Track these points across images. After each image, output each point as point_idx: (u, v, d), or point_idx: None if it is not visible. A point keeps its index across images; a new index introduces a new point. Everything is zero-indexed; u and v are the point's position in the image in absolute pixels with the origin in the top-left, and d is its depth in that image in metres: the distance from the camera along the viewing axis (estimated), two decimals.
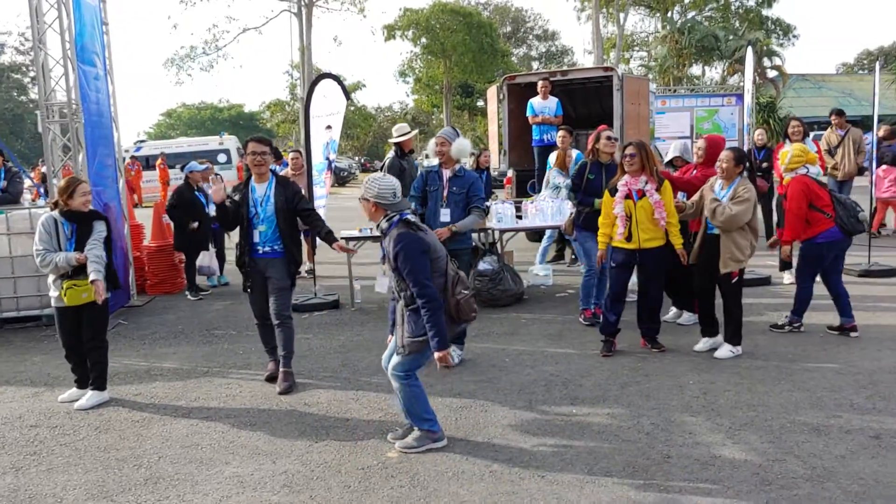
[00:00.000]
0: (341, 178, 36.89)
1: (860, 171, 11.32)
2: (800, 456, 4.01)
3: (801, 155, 6.38)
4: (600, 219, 6.04)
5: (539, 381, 5.41)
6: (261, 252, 5.57)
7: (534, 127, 10.97)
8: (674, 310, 7.13)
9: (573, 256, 10.07)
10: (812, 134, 10.56)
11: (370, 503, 3.72)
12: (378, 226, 4.27)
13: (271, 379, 5.70)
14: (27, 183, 9.14)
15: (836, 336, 6.32)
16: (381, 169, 8.64)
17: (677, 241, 5.92)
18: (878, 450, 4.05)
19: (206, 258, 9.30)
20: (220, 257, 10.06)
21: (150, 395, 5.57)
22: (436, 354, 4.03)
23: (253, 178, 5.62)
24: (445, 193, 6.03)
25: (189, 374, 6.06)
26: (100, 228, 5.32)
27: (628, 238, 5.86)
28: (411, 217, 4.21)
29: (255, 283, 5.68)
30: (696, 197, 6.13)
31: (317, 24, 63.48)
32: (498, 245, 8.50)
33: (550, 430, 4.52)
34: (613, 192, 5.93)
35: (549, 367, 5.77)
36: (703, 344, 6.11)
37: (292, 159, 10.22)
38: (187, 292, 9.44)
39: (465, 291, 4.16)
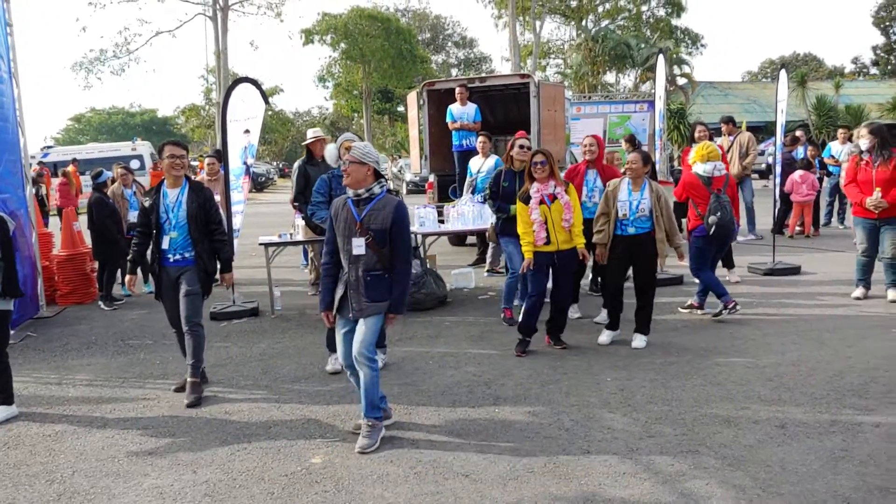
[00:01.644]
0: (259, 184, 36.32)
1: (761, 173, 11.95)
2: (711, 447, 4.19)
3: (703, 152, 7.04)
4: (519, 228, 6.15)
5: (462, 383, 5.47)
6: (171, 260, 5.42)
7: (453, 133, 11.06)
8: (604, 312, 7.35)
9: (488, 270, 10.21)
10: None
11: None
12: (366, 190, 4.35)
13: (181, 390, 5.55)
14: None
15: (743, 331, 6.63)
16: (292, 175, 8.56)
17: (579, 242, 6.14)
18: (783, 438, 4.26)
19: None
20: (144, 266, 9.73)
21: (62, 408, 5.35)
22: (398, 317, 4.42)
23: (166, 182, 5.49)
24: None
25: (104, 386, 5.85)
26: None
27: (547, 241, 6.02)
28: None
29: (166, 292, 5.53)
30: (603, 200, 6.39)
31: (233, 28, 62.31)
32: (421, 249, 8.54)
33: (474, 430, 4.57)
34: (525, 199, 6.07)
35: (472, 368, 5.84)
36: (607, 337, 6.43)
37: (208, 164, 10.00)
38: (101, 302, 9.11)
39: None
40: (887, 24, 60.40)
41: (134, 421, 5.02)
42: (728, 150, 11.55)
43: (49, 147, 30.58)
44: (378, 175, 4.41)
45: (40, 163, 25.07)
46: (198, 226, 5.40)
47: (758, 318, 7.12)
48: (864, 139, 7.54)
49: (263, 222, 16.51)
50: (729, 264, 8.84)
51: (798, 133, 14.29)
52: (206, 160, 9.99)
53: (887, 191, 7.30)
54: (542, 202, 5.99)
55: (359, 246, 4.33)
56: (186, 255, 5.42)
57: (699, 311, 7.36)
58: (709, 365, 5.70)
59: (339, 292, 4.45)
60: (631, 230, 6.23)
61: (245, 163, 8.89)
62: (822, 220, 13.61)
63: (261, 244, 8.47)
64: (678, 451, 4.14)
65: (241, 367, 6.20)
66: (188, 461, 4.30)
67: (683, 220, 7.70)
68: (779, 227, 12.02)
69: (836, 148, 13.58)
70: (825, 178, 13.47)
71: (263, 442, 4.53)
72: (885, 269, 7.59)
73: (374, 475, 4.00)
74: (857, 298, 7.73)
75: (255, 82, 8.97)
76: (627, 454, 4.13)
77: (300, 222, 8.25)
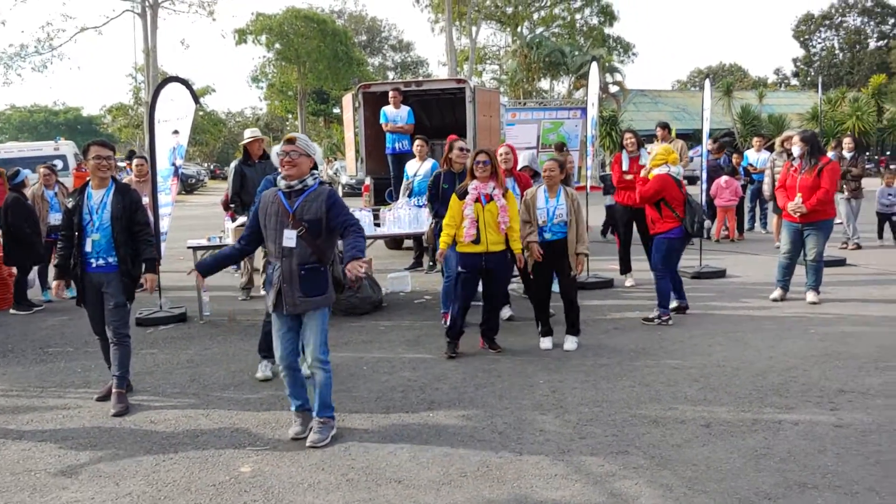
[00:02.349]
0: (189, 186, 35.43)
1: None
2: (640, 447, 4.26)
3: (664, 154, 7.19)
4: (445, 220, 6.18)
5: (396, 388, 5.44)
6: (94, 265, 5.23)
7: (387, 135, 11.03)
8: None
9: (431, 263, 10.21)
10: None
11: None
12: (300, 182, 4.35)
13: (104, 398, 5.36)
14: None
15: (671, 332, 6.79)
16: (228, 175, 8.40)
17: (516, 247, 6.21)
18: (708, 437, 4.37)
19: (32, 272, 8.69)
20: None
21: None
22: (356, 262, 4.13)
23: (91, 183, 5.29)
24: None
25: (20, 396, 5.59)
26: None
27: (476, 241, 6.04)
28: None
29: (89, 298, 5.33)
30: (523, 208, 6.45)
31: (163, 26, 60.74)
32: None
33: (407, 435, 4.55)
34: (462, 195, 6.10)
35: (407, 372, 5.81)
36: (549, 342, 6.46)
37: (137, 166, 9.70)
38: (12, 308, 8.73)
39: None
40: (806, 37, 63.27)
41: (53, 432, 4.81)
42: None
43: None
44: (314, 167, 4.43)
45: None
46: (122, 228, 5.22)
47: (685, 320, 7.30)
48: (796, 146, 7.84)
49: (193, 225, 16.12)
50: (625, 268, 9.12)
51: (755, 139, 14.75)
52: (135, 161, 9.69)
53: (808, 197, 7.59)
54: (477, 200, 6.03)
55: (290, 238, 4.28)
56: (110, 259, 5.23)
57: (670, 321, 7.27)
58: (638, 366, 5.81)
59: (272, 290, 4.40)
60: (548, 236, 6.33)
61: (174, 164, 8.66)
62: (746, 224, 14.12)
63: (189, 248, 8.25)
64: (608, 452, 4.20)
65: (167, 374, 6.03)
66: (110, 473, 4.14)
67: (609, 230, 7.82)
68: (706, 231, 12.38)
69: (753, 156, 14.11)
70: (748, 185, 13.94)
71: (190, 451, 4.40)
72: (807, 271, 7.91)
73: (305, 483, 3.93)
74: (775, 300, 8.02)
75: (184, 82, 8.75)
76: (559, 456, 4.17)
77: (230, 225, 8.08)
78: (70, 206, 5.27)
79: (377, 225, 8.56)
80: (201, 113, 44.68)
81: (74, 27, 53.98)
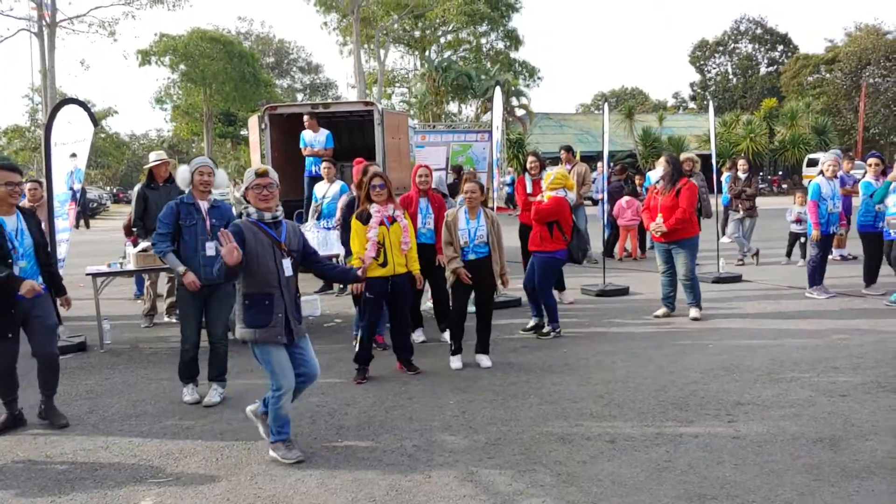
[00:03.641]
0: (91, 210, 33.79)
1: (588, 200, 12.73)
2: (547, 464, 4.35)
3: (562, 178, 7.47)
4: (354, 245, 6.18)
5: (305, 414, 5.36)
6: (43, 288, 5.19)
7: (306, 159, 10.97)
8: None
9: (341, 286, 10.13)
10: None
11: None
12: (273, 215, 4.50)
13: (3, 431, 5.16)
14: None
15: (577, 350, 6.97)
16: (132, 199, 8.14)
17: (415, 267, 6.34)
18: (613, 453, 4.49)
19: None
20: None
21: None
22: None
23: None
24: (209, 226, 5.80)
25: None
26: None
27: (383, 264, 6.07)
28: None
29: (13, 327, 5.14)
30: (445, 230, 6.55)
31: (61, 46, 58.46)
32: None
33: (315, 462, 4.49)
34: (363, 219, 6.11)
35: (316, 398, 5.73)
36: (459, 361, 6.54)
37: (30, 190, 9.26)
38: None
39: None
40: (702, 62, 66.52)
41: None
42: None
43: None
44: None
45: None
46: (42, 252, 5.26)
47: (590, 338, 7.51)
48: (659, 166, 8.30)
49: (93, 251, 15.49)
50: (560, 287, 9.30)
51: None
52: (28, 185, 9.26)
53: (667, 217, 8.01)
54: (381, 223, 6.06)
55: (288, 267, 4.44)
56: (38, 281, 5.18)
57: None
58: (545, 384, 5.93)
59: (279, 322, 4.43)
60: (472, 256, 6.46)
61: (71, 188, 8.33)
62: (648, 243, 14.61)
63: (88, 275, 7.94)
64: (517, 471, 4.27)
65: (65, 405, 5.73)
66: None
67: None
68: (609, 250, 12.79)
69: (655, 176, 14.62)
70: None
71: (89, 487, 4.22)
72: (683, 290, 8.26)
73: None
74: (657, 316, 8.34)
75: (82, 104, 8.46)
76: (468, 476, 4.21)
77: (132, 250, 7.83)
78: None
79: None
80: (103, 135, 43.11)
81: None
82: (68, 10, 36.86)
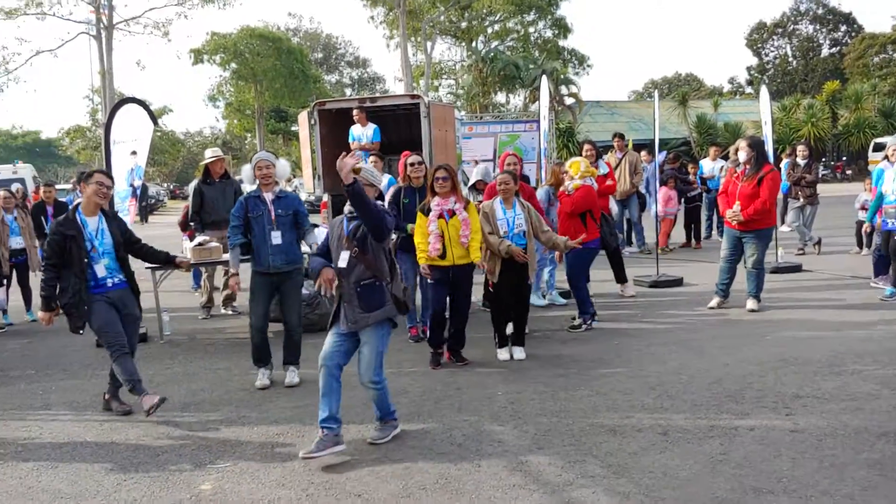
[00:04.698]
0: (149, 206, 34.68)
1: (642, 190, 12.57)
2: (598, 456, 4.33)
3: (587, 168, 7.37)
4: (417, 238, 6.29)
5: (356, 404, 5.42)
6: (110, 284, 5.42)
7: (355, 153, 11.07)
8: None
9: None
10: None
11: None
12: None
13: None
14: None
15: (628, 342, 6.91)
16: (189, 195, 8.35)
17: (476, 256, 6.29)
18: (665, 445, 4.44)
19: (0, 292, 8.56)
20: (27, 294, 9.52)
21: None
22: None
23: (83, 210, 5.41)
24: (273, 216, 6.02)
25: None
26: None
27: (442, 256, 6.13)
28: None
29: (108, 316, 5.39)
30: (482, 219, 6.50)
31: (119, 47, 59.94)
32: None
33: (367, 449, 4.57)
34: (425, 211, 6.20)
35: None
36: (507, 353, 6.54)
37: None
38: None
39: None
40: (759, 45, 64.66)
41: (13, 454, 4.77)
42: (617, 167, 12.04)
43: None
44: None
45: None
46: (123, 250, 5.50)
47: (642, 330, 7.43)
48: (742, 150, 7.94)
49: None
50: (622, 279, 9.18)
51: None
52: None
53: (746, 205, 7.73)
54: (440, 216, 6.12)
55: (343, 259, 4.54)
56: (120, 277, 5.49)
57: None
58: (595, 376, 5.90)
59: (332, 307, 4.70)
60: None
61: (131, 185, 8.59)
62: (703, 233, 14.36)
63: (147, 268, 8.17)
64: (566, 461, 4.26)
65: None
66: (71, 493, 4.12)
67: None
68: (665, 239, 12.64)
69: (708, 165, 14.37)
70: (704, 194, 14.19)
71: (152, 471, 4.38)
72: (747, 278, 8.03)
73: (266, 500, 3.94)
74: (712, 307, 8.14)
75: (141, 102, 8.71)
76: (517, 466, 4.22)
77: (188, 244, 8.03)
78: (60, 235, 5.28)
79: None
80: (159, 133, 44.15)
81: (30, 50, 52.92)
82: (124, 13, 38.05)
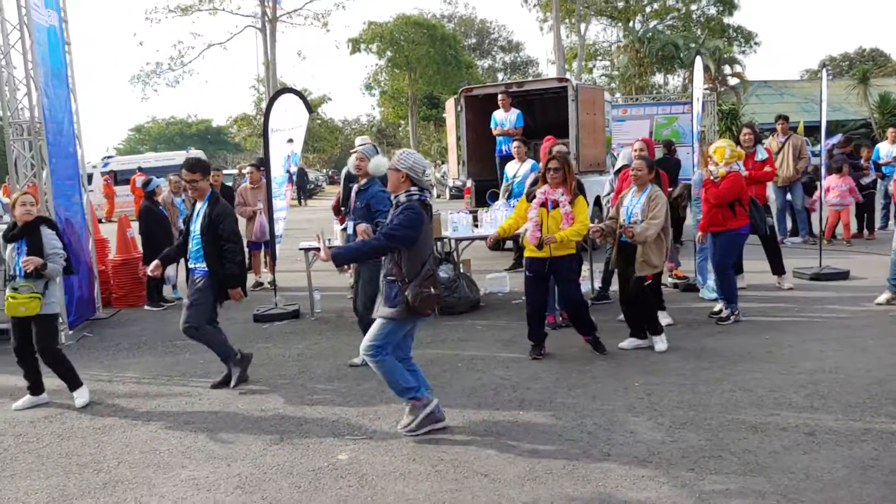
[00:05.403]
0: (308, 191, 36.59)
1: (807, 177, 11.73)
2: (735, 452, 4.17)
3: (735, 153, 7.04)
4: (510, 217, 6.33)
5: (489, 385, 5.54)
6: (192, 267, 5.85)
7: (497, 138, 11.18)
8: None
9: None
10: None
11: (319, 502, 3.84)
12: (396, 197, 4.58)
13: (218, 386, 5.92)
14: None
15: (780, 337, 6.53)
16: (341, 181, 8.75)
17: (559, 235, 6.03)
18: (811, 446, 4.20)
19: (171, 268, 9.37)
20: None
21: (112, 404, 5.65)
22: (322, 254, 4.47)
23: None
24: (353, 206, 6.34)
25: (150, 384, 6.13)
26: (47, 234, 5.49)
27: (539, 246, 6.05)
28: (428, 201, 4.61)
29: None
30: (613, 209, 6.46)
31: (281, 39, 63.34)
32: (455, 253, 8.63)
33: (496, 431, 4.64)
34: (530, 198, 6.18)
35: (500, 371, 5.90)
36: (629, 343, 6.39)
37: (248, 173, 10.29)
38: (146, 305, 9.47)
39: (433, 291, 4.49)
40: None
41: (176, 416, 5.27)
42: (779, 151, 11.35)
43: (109, 157, 31.60)
44: (413, 182, 4.55)
45: (102, 172, 26.17)
46: (208, 240, 5.72)
47: (798, 324, 7.01)
48: None
49: (309, 228, 16.81)
50: (780, 270, 8.69)
51: None
52: (246, 169, 10.31)
53: None
54: (543, 205, 6.07)
55: None
56: (200, 264, 5.79)
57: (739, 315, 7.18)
58: (740, 371, 5.65)
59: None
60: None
61: (288, 171, 9.12)
62: (878, 223, 13.18)
63: (301, 249, 8.68)
64: (700, 456, 4.14)
65: (279, 367, 6.40)
66: (223, 455, 4.49)
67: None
68: (830, 230, 11.78)
69: (886, 148, 13.16)
70: (878, 180, 13.04)
71: (295, 438, 4.70)
72: None
73: (397, 472, 4.12)
74: (880, 304, 7.52)
75: (298, 92, 9.21)
76: (648, 458, 4.15)
77: (337, 228, 8.42)
78: (188, 213, 5.92)
79: (476, 226, 8.69)
80: (319, 121, 46.31)
81: (202, 44, 57.04)
82: (287, 5, 40.26)
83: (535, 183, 7.11)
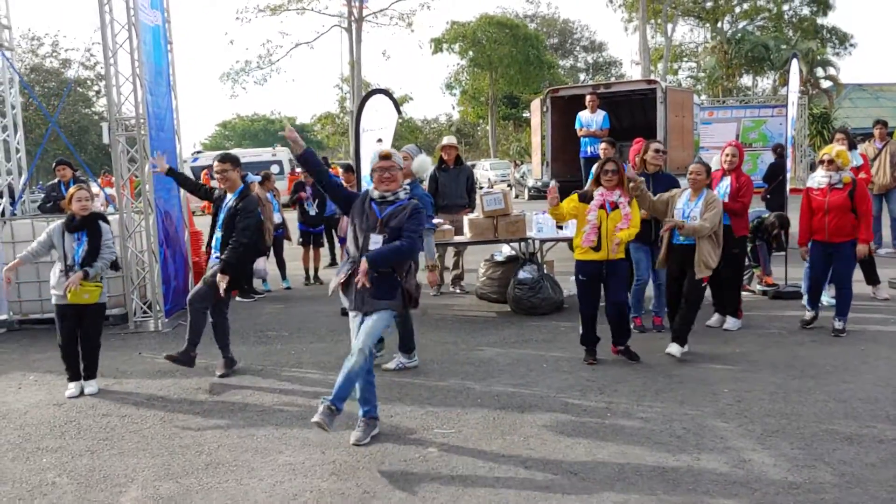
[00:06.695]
0: None
1: None
2: (829, 463, 4.10)
3: (843, 157, 6.78)
4: (556, 213, 6.26)
5: (575, 386, 5.58)
6: (213, 257, 6.20)
7: (581, 139, 11.15)
8: (716, 315, 7.27)
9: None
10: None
11: (411, 492, 3.97)
12: (393, 194, 4.65)
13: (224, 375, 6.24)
14: (94, 190, 9.65)
15: (877, 349, 6.32)
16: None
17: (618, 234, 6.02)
18: None
19: (260, 262, 9.73)
20: (281, 264, 10.66)
21: (208, 389, 5.93)
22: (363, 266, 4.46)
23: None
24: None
25: (245, 372, 6.38)
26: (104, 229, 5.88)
27: (596, 248, 6.00)
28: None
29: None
30: (666, 196, 6.37)
31: (366, 39, 64.40)
32: (538, 254, 8.67)
33: (584, 432, 4.68)
34: (586, 199, 6.10)
35: (586, 373, 5.92)
36: (674, 348, 6.18)
37: (344, 174, 10.58)
38: (238, 297, 9.86)
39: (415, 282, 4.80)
40: None
41: (271, 404, 5.49)
42: (875, 158, 10.93)
43: (198, 152, 32.81)
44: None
45: (191, 168, 27.20)
46: (228, 230, 6.00)
47: (894, 335, 6.75)
48: None
49: None
50: (874, 280, 8.37)
51: None
52: (340, 170, 10.62)
53: None
54: (602, 206, 6.02)
55: (376, 242, 4.61)
56: (216, 255, 6.13)
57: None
58: (835, 381, 5.51)
59: (342, 276, 4.66)
60: (682, 238, 6.20)
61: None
62: None
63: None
64: (793, 465, 4.09)
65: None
66: (318, 442, 4.68)
67: None
68: None
69: None
70: None
71: (387, 430, 4.84)
72: None
73: (486, 467, 4.22)
74: None
75: (388, 93, 9.41)
76: (739, 464, 4.12)
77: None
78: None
79: (559, 228, 8.69)
80: (400, 121, 46.84)
81: (290, 43, 58.73)
82: (373, 5, 40.91)
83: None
